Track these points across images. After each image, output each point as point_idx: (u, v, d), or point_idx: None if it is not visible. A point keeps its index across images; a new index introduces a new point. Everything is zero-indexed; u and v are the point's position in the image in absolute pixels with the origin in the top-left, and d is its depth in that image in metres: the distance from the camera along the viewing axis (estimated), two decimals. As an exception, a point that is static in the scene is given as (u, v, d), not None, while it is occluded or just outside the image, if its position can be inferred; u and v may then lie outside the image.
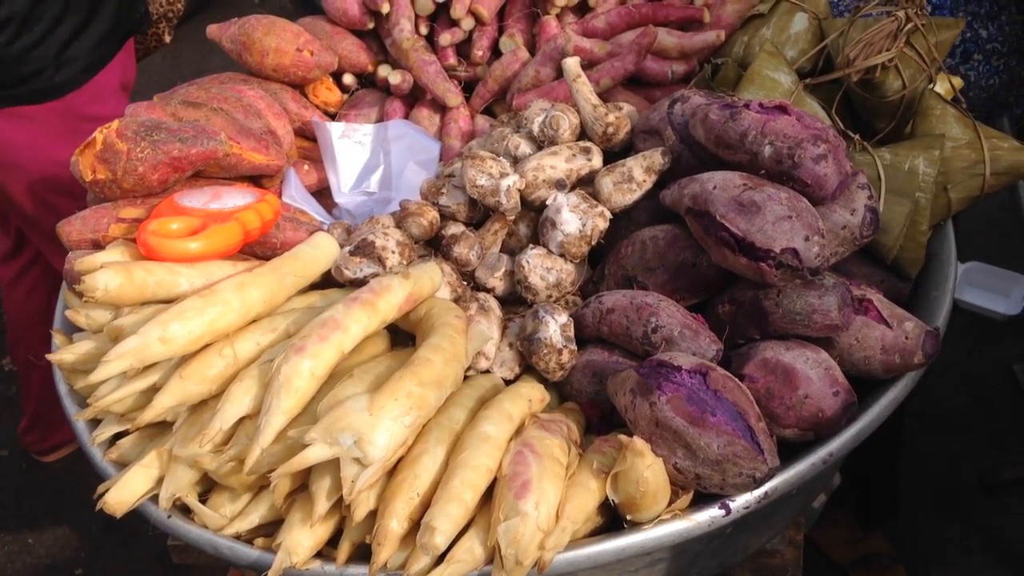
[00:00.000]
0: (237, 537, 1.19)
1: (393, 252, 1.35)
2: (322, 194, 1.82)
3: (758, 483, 1.11)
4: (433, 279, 1.28)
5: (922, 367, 1.24)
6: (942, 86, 1.57)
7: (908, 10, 1.43)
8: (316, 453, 1.06)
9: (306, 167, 1.80)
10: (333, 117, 1.90)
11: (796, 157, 1.22)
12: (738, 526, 1.26)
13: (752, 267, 1.18)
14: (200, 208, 1.41)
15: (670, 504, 1.14)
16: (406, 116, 1.85)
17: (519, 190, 1.37)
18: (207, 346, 1.20)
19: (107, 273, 1.23)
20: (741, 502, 1.14)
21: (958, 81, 1.61)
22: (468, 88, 1.86)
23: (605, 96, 1.64)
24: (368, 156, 1.79)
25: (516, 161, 1.45)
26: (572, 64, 1.47)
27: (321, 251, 1.34)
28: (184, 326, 1.17)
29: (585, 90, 1.46)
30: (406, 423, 1.08)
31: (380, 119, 1.87)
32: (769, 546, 1.55)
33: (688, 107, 1.36)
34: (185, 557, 1.70)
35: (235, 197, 1.45)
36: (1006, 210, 2.43)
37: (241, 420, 1.15)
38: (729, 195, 1.21)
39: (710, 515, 1.14)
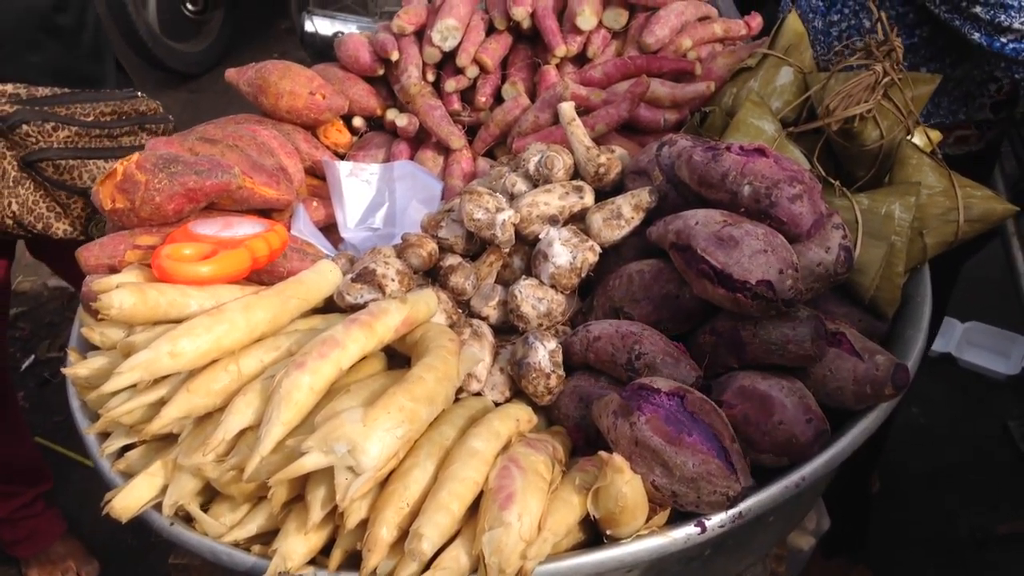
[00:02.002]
0: (236, 545, 1.24)
1: (393, 280, 1.42)
2: (329, 230, 1.90)
3: (732, 502, 1.17)
4: (429, 305, 1.35)
5: (893, 398, 1.30)
6: (920, 139, 1.65)
7: (885, 64, 1.52)
8: (312, 461, 1.12)
9: (315, 203, 1.89)
10: (342, 157, 1.99)
11: (773, 196, 1.29)
12: (716, 548, 1.31)
13: (730, 298, 1.25)
14: (212, 235, 1.49)
15: (648, 521, 1.19)
16: (411, 157, 1.94)
17: (514, 224, 1.45)
18: (213, 362, 1.27)
19: (122, 293, 1.31)
20: (716, 521, 1.20)
21: (936, 134, 1.69)
22: (471, 132, 1.96)
23: (600, 141, 1.73)
24: (374, 194, 1.88)
25: (512, 198, 1.53)
26: (567, 108, 1.56)
27: (324, 277, 1.42)
28: (192, 342, 1.24)
29: (579, 132, 1.55)
30: (398, 435, 1.14)
31: (387, 160, 1.96)
32: (750, 574, 1.60)
33: (675, 150, 1.45)
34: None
35: (245, 226, 1.53)
36: (1006, 271, 2.50)
37: (243, 432, 1.22)
38: (710, 230, 1.28)
39: (686, 532, 1.19)
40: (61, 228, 2.29)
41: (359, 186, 1.88)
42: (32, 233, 2.28)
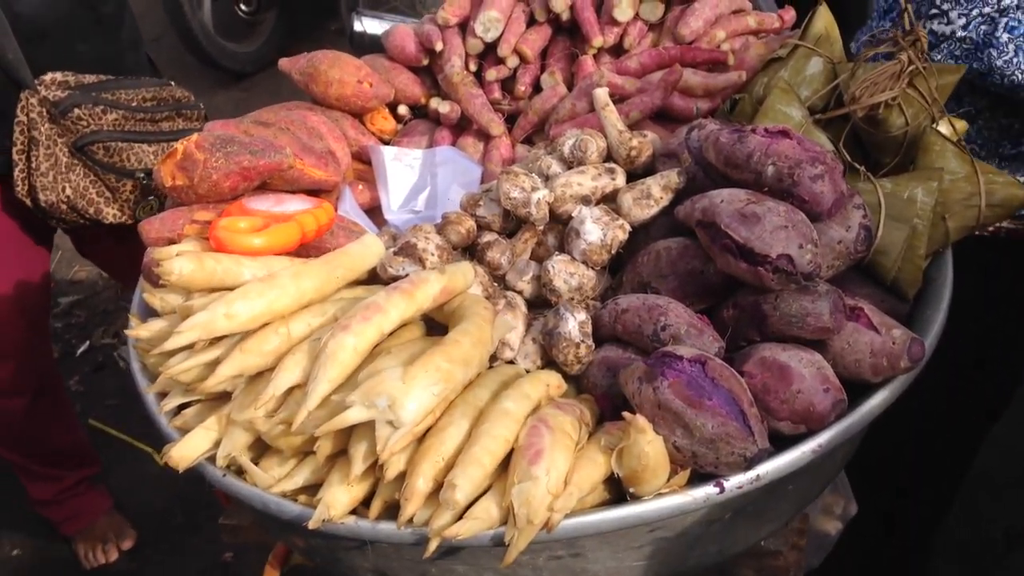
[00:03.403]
0: (283, 495, 1.33)
1: (432, 254, 1.51)
2: (374, 212, 1.98)
3: (749, 463, 1.23)
4: (466, 276, 1.43)
5: (909, 371, 1.35)
6: (946, 128, 1.70)
7: (910, 53, 1.57)
8: (355, 414, 1.20)
9: (360, 187, 1.98)
10: (387, 143, 2.08)
11: (795, 176, 1.35)
12: (736, 513, 1.38)
13: (751, 272, 1.31)
14: (264, 210, 1.59)
15: (669, 480, 1.26)
16: (453, 144, 2.02)
17: (548, 203, 1.53)
18: (265, 324, 1.36)
19: (182, 260, 1.41)
20: (735, 482, 1.26)
21: (962, 124, 1.73)
22: (511, 120, 2.04)
23: (634, 128, 1.80)
24: (416, 178, 1.96)
25: (548, 179, 1.60)
26: (601, 93, 1.63)
27: (369, 250, 1.50)
28: (246, 305, 1.33)
29: (612, 117, 1.62)
30: (435, 392, 1.22)
31: (430, 146, 2.04)
32: (772, 547, 1.66)
33: (703, 133, 1.51)
34: (234, 537, 1.85)
35: (296, 203, 1.63)
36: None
37: (291, 389, 1.31)
38: (733, 208, 1.34)
39: (706, 492, 1.25)
40: (111, 213, 2.41)
41: (403, 170, 1.97)
42: (85, 218, 2.40)
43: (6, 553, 3.41)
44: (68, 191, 2.34)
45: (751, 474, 1.26)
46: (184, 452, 1.34)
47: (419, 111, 2.15)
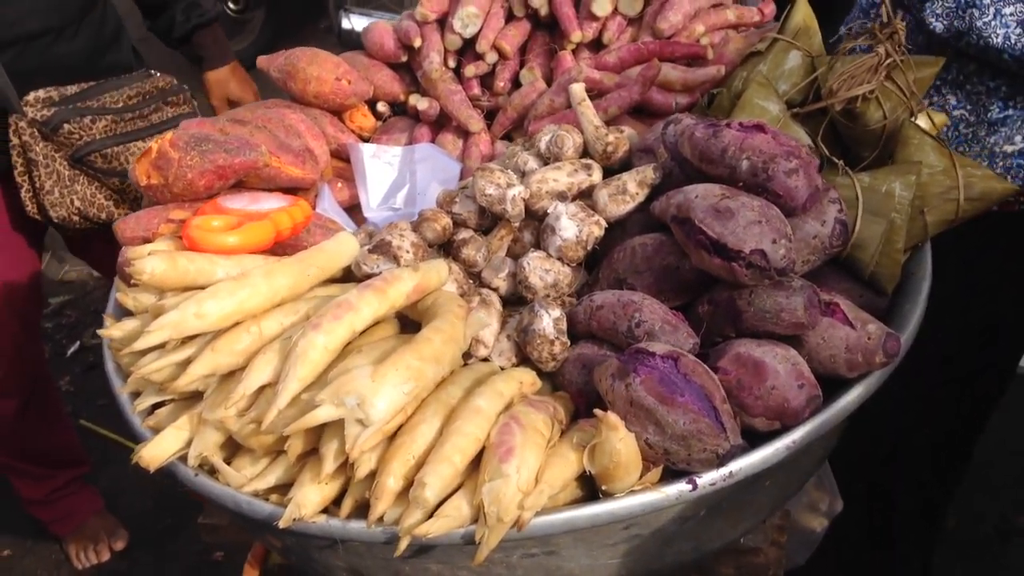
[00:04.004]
0: (255, 495, 1.33)
1: (407, 251, 1.50)
2: (353, 209, 1.98)
3: (721, 460, 1.23)
4: (440, 273, 1.42)
5: (884, 367, 1.35)
6: (925, 121, 1.69)
7: (888, 46, 1.56)
8: (324, 413, 1.20)
9: (339, 184, 1.97)
10: (367, 141, 2.07)
11: (770, 171, 1.34)
12: (711, 510, 1.37)
13: (725, 267, 1.31)
14: (239, 209, 1.58)
15: (641, 477, 1.25)
16: (432, 141, 2.01)
17: (524, 200, 1.52)
18: (237, 323, 1.35)
19: (154, 259, 1.40)
20: (707, 479, 1.25)
21: (941, 118, 1.73)
22: (491, 116, 2.03)
23: (614, 123, 1.79)
24: (395, 175, 1.96)
25: (524, 175, 1.59)
26: (577, 88, 1.62)
27: (343, 247, 1.49)
28: (217, 304, 1.32)
29: (589, 113, 1.61)
30: (405, 391, 1.22)
31: (409, 143, 2.04)
32: (752, 543, 1.65)
33: (679, 128, 1.50)
34: (214, 536, 1.84)
35: (271, 201, 1.62)
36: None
37: (263, 388, 1.30)
38: (708, 203, 1.34)
39: (678, 489, 1.25)
40: (122, 214, 2.42)
41: (382, 168, 1.96)
42: (98, 224, 2.42)
43: (-4, 554, 3.42)
44: (76, 202, 2.37)
45: (724, 471, 1.25)
46: (155, 452, 1.33)
47: (399, 108, 2.14)
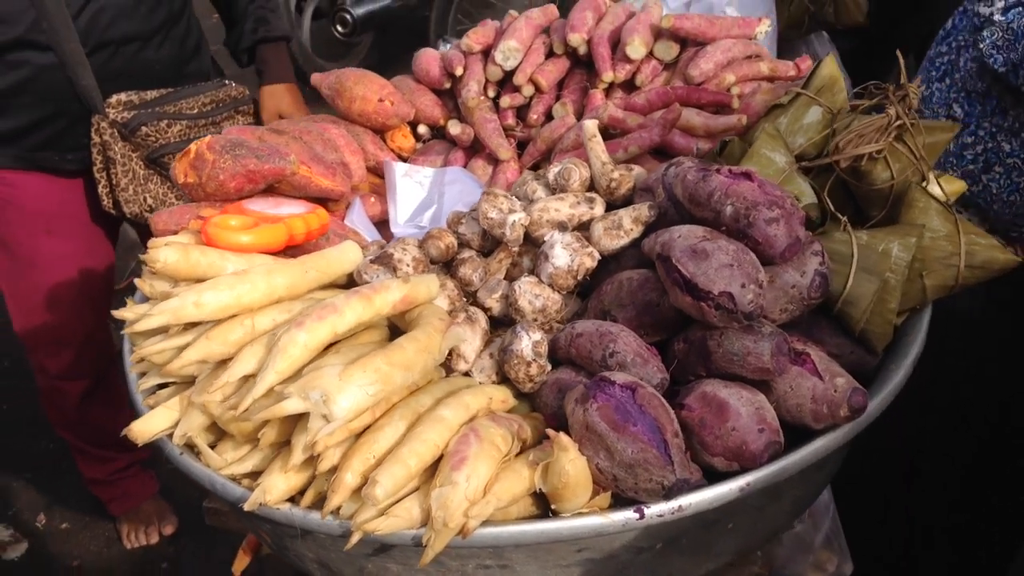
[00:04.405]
0: (231, 478, 1.40)
1: (407, 265, 1.57)
2: (384, 224, 2.06)
3: (667, 492, 1.25)
4: (430, 288, 1.49)
5: (848, 421, 1.35)
6: (940, 187, 1.69)
7: (898, 108, 1.58)
8: (291, 405, 1.27)
9: (372, 199, 2.06)
10: (405, 161, 2.16)
11: (751, 217, 1.38)
12: (669, 544, 1.39)
13: (695, 306, 1.34)
14: (259, 211, 1.67)
15: (591, 501, 1.29)
16: (465, 165, 2.09)
17: (524, 226, 1.58)
18: (233, 316, 1.44)
19: (167, 250, 1.50)
20: (655, 510, 1.28)
21: (959, 185, 1.72)
22: (524, 146, 2.10)
23: (634, 162, 1.84)
24: (424, 195, 2.04)
25: (531, 203, 1.65)
26: (589, 125, 1.68)
27: (345, 255, 1.57)
28: (216, 296, 1.41)
29: (598, 148, 1.66)
30: (369, 392, 1.28)
31: (444, 166, 2.12)
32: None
33: (677, 170, 1.54)
34: (217, 520, 1.93)
35: (291, 207, 1.71)
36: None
37: (247, 378, 1.38)
38: (688, 243, 1.37)
39: (625, 516, 1.28)
40: None
41: (412, 186, 2.04)
42: None
43: (56, 525, 3.58)
44: (149, 200, 2.53)
45: (673, 504, 1.28)
46: (145, 427, 1.42)
47: (439, 132, 2.22)
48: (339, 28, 6.63)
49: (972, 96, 1.96)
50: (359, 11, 6.48)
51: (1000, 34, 1.82)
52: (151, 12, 2.53)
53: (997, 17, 1.82)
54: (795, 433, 1.38)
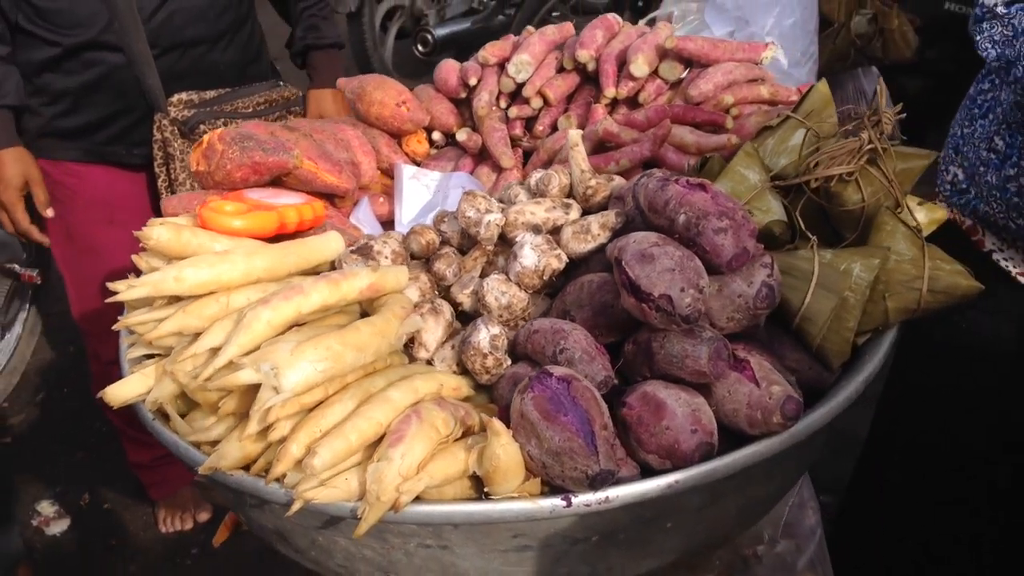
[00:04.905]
0: (195, 445, 1.50)
1: (386, 257, 1.65)
2: (390, 224, 2.15)
3: (591, 481, 1.30)
4: (398, 278, 1.56)
5: (782, 428, 1.38)
6: (924, 214, 1.71)
7: (871, 132, 1.60)
8: (245, 375, 1.35)
9: (381, 199, 2.15)
10: (418, 165, 2.25)
11: (700, 227, 1.42)
12: (606, 537, 1.43)
13: (638, 307, 1.39)
14: (256, 199, 1.77)
15: (523, 485, 1.34)
16: (472, 172, 2.17)
17: (499, 226, 1.64)
18: (212, 293, 1.54)
19: (160, 229, 1.60)
20: (582, 499, 1.32)
21: (941, 214, 1.73)
22: (530, 156, 2.17)
23: (627, 175, 1.89)
24: (430, 197, 2.12)
25: (510, 205, 1.72)
26: (573, 135, 1.74)
27: (327, 244, 1.66)
28: (195, 272, 1.51)
29: (579, 157, 1.72)
30: (319, 368, 1.36)
31: (454, 171, 2.20)
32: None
33: (645, 180, 1.59)
34: (207, 495, 2.03)
35: (288, 198, 1.81)
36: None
37: (215, 350, 1.47)
38: (639, 248, 1.42)
39: (552, 503, 1.32)
40: None
41: (419, 189, 2.13)
42: None
43: (99, 504, 3.75)
44: None
45: (600, 495, 1.32)
46: (119, 392, 1.52)
47: (454, 139, 2.31)
48: (420, 48, 6.86)
49: (1013, 127, 1.93)
50: (440, 32, 6.74)
51: (1000, 28, 1.81)
52: (219, 16, 2.68)
53: (1000, 9, 1.81)
54: (738, 440, 1.41)
